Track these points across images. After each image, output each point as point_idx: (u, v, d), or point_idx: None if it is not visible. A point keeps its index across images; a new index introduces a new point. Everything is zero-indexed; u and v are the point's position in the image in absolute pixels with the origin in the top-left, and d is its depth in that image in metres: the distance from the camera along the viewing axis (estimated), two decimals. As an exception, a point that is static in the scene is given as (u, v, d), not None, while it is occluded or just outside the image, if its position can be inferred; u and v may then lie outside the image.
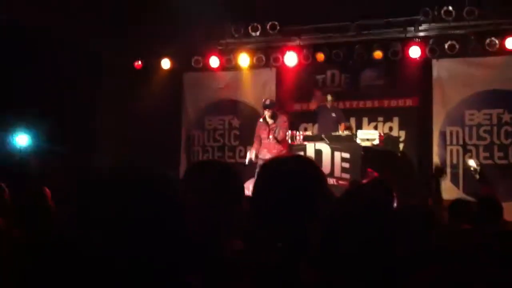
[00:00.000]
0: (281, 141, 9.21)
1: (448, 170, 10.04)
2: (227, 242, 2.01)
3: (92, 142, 11.04)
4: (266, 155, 8.98)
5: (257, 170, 8.07)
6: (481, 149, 10.08)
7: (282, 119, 9.33)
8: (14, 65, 9.03)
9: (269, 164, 1.83)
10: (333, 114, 10.15)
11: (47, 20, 9.57)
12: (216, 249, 1.85)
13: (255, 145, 9.41)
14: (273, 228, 1.69)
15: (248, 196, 1.97)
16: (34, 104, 9.27)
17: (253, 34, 11.05)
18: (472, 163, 9.31)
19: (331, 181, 8.67)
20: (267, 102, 9.38)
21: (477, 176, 8.83)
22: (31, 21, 9.33)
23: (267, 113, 9.27)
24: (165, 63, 11.63)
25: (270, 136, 9.23)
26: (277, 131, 9.15)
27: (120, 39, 11.00)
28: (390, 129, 10.66)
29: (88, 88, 10.94)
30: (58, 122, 9.81)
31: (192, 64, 11.53)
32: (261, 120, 9.47)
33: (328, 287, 1.57)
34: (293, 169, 1.75)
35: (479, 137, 10.13)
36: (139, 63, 11.71)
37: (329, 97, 10.29)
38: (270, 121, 9.29)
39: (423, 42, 10.33)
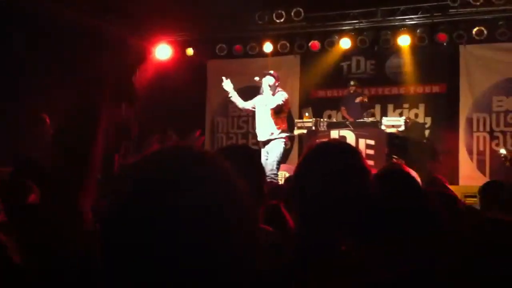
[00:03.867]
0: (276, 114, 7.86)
1: (475, 157, 9.91)
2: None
3: (117, 130, 11.13)
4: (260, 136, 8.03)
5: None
6: (508, 136, 9.93)
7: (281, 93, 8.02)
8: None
9: (315, 149, 1.83)
10: (357, 100, 10.07)
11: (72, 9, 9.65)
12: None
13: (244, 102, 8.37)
14: (316, 215, 1.69)
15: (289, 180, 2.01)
16: (59, 93, 9.38)
17: (278, 21, 11.00)
18: (502, 151, 9.22)
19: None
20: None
21: (507, 164, 8.72)
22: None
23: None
24: (190, 51, 11.66)
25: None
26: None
27: (144, 26, 11.04)
28: (416, 115, 10.56)
29: (113, 77, 11.00)
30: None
31: (216, 51, 11.54)
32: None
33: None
34: (340, 157, 1.76)
35: (507, 124, 9.97)
36: (164, 51, 11.74)
37: (352, 83, 10.22)
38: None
39: (450, 27, 10.16)
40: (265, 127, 7.94)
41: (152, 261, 0.88)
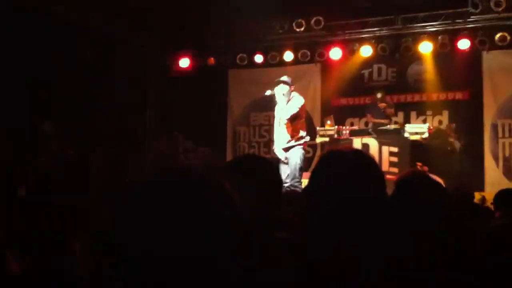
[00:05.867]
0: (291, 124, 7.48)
1: (501, 163, 9.81)
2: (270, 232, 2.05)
3: (139, 138, 11.22)
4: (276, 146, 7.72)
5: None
6: (534, 141, 9.82)
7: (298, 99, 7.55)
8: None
9: (326, 158, 1.83)
10: (381, 106, 10.02)
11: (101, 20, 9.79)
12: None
13: None
14: (328, 223, 1.69)
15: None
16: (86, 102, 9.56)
17: (298, 30, 11.02)
18: None
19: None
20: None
21: None
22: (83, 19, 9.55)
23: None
24: (211, 60, 11.71)
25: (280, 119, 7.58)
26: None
27: (166, 36, 11.14)
28: (440, 122, 10.50)
29: (135, 86, 11.13)
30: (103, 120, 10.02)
31: (237, 61, 11.58)
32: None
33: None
34: (353, 166, 1.74)
35: (532, 130, 9.88)
36: (185, 60, 11.81)
37: (379, 95, 10.13)
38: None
39: (472, 34, 10.08)
40: (282, 136, 7.57)
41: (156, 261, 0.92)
